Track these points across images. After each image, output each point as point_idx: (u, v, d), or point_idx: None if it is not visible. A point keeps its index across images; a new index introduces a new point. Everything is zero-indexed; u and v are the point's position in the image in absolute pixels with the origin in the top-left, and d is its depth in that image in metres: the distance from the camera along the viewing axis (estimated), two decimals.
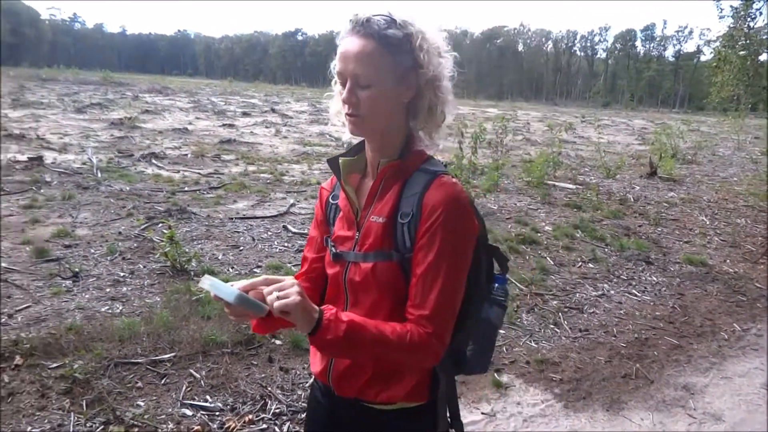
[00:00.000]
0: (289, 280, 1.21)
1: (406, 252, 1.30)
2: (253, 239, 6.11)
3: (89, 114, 18.43)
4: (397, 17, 1.28)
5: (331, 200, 1.49)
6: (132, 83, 38.18)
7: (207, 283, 1.23)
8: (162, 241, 5.19)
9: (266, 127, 18.19)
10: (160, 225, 6.17)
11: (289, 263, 5.37)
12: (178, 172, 9.95)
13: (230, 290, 1.19)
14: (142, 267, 5.08)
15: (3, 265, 4.86)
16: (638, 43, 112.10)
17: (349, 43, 1.27)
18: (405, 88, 1.30)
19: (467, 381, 3.60)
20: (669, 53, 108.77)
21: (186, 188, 8.58)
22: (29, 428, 2.82)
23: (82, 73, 46.12)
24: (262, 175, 10.08)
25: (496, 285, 1.46)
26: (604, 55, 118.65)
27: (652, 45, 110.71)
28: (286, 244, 6.01)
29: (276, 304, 1.13)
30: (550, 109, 49.89)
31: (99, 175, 8.96)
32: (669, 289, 5.55)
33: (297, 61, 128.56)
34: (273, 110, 24.61)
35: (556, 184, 10.43)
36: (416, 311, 1.26)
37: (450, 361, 1.40)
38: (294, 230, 6.48)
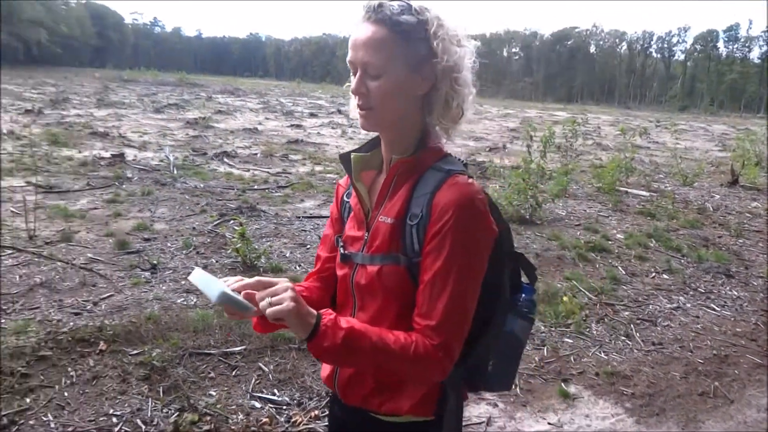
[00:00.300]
0: (283, 283, 1.12)
1: (414, 256, 1.21)
2: (319, 238, 6.21)
3: (166, 114, 19.33)
4: (414, 3, 1.18)
5: (345, 198, 1.42)
6: (206, 84, 39.75)
7: (196, 277, 1.18)
8: (233, 237, 5.37)
9: (332, 128, 18.49)
10: (232, 222, 6.39)
11: None
12: (248, 170, 10.27)
13: (215, 288, 1.12)
14: (214, 261, 5.28)
15: (89, 255, 5.18)
16: (720, 45, 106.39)
17: (359, 30, 1.18)
18: (420, 78, 1.19)
19: (532, 389, 3.52)
20: (754, 55, 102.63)
21: (255, 186, 8.85)
22: (111, 410, 2.99)
23: (160, 75, 48.44)
24: (328, 175, 10.25)
25: (523, 296, 1.37)
26: (682, 56, 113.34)
27: (735, 46, 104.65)
28: None
29: (268, 311, 1.07)
30: (623, 113, 48.13)
31: (175, 172, 9.39)
32: (751, 305, 5.23)
33: None
34: (339, 111, 24.98)
35: (629, 190, 10.05)
36: (423, 321, 1.17)
37: (462, 376, 1.32)
38: None
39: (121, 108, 20.16)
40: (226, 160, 11.13)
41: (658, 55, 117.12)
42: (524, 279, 1.42)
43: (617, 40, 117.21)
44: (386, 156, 1.32)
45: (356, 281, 1.29)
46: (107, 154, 10.35)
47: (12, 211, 6.39)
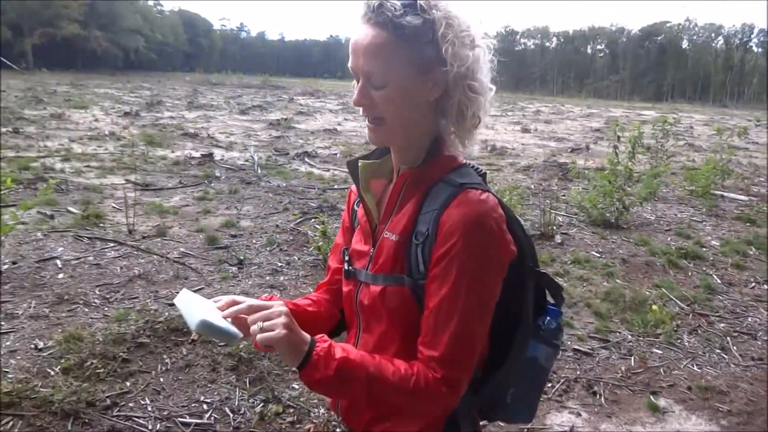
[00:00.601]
0: (277, 307, 1.05)
1: (419, 278, 1.10)
2: None
3: (251, 115, 20.09)
4: (421, 0, 1.05)
5: (355, 207, 1.32)
6: (288, 86, 40.97)
7: (182, 299, 1.10)
8: (315, 235, 5.51)
9: None
10: (313, 220, 6.56)
11: None
12: (328, 170, 10.50)
13: (196, 315, 1.04)
14: (296, 258, 5.44)
15: (181, 249, 5.48)
16: None
17: (359, 33, 1.07)
18: (430, 84, 1.09)
19: (618, 400, 3.39)
20: None
21: (335, 186, 9.03)
22: (202, 397, 3.16)
23: (245, 78, 50.43)
24: None
25: (548, 319, 1.26)
26: None
27: None
28: None
29: (258, 337, 1.01)
30: (718, 112, 45.14)
31: (259, 171, 9.75)
32: None
33: None
34: None
35: (725, 194, 9.43)
36: (426, 350, 1.07)
37: (477, 405, 1.23)
38: None
39: (210, 110, 21.16)
40: (307, 160, 11.43)
41: (759, 50, 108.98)
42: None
43: (713, 35, 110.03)
44: (396, 165, 1.22)
45: (360, 300, 1.21)
46: (197, 154, 10.90)
47: (113, 207, 6.87)
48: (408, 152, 1.18)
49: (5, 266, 4.72)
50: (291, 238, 6.06)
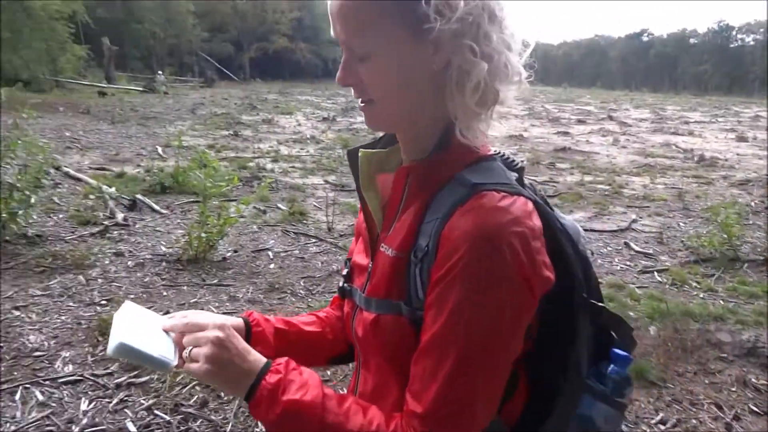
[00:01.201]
0: (210, 330, 0.87)
1: (418, 307, 0.85)
2: (592, 253, 5.91)
3: None
4: None
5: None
6: None
7: (121, 315, 0.93)
8: None
9: (603, 136, 17.42)
10: None
11: (632, 284, 5.02)
12: None
13: (117, 336, 0.86)
14: None
15: None
16: None
17: None
18: (431, 49, 0.82)
19: None
20: None
21: None
22: None
23: None
24: (598, 186, 9.68)
25: (611, 368, 0.93)
26: None
27: None
28: (627, 263, 5.64)
29: (185, 366, 0.87)
30: None
31: None
32: None
33: (639, 64, 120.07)
34: (610, 117, 23.44)
35: None
36: (410, 401, 0.82)
37: None
38: (637, 248, 6.03)
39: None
40: None
41: None
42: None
43: None
44: (404, 158, 0.97)
45: (355, 329, 0.98)
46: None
47: (314, 206, 7.47)
48: (414, 142, 0.93)
49: (228, 253, 5.39)
50: None
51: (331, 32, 0.88)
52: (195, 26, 47.46)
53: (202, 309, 4.13)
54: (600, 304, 0.94)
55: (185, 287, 4.56)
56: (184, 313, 0.96)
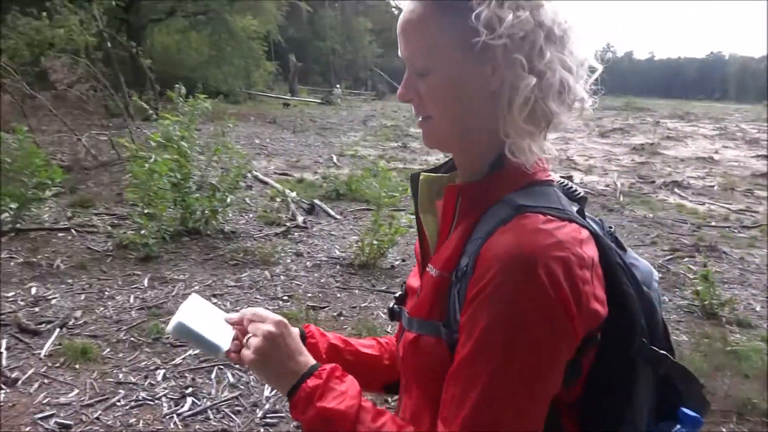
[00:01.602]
0: (267, 324, 0.91)
1: (455, 329, 0.80)
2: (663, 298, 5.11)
3: (611, 138, 19.29)
4: None
5: None
6: (652, 108, 38.03)
7: (188, 304, 1.00)
8: (693, 277, 4.91)
9: None
10: (686, 259, 5.87)
11: None
12: (703, 204, 9.29)
13: (177, 317, 0.94)
14: (666, 299, 4.93)
15: None
16: None
17: (403, 11, 0.85)
18: (489, 68, 0.80)
19: None
20: None
21: (713, 223, 7.92)
22: None
23: (606, 99, 48.76)
24: None
25: (677, 428, 0.85)
26: None
27: None
28: None
29: (232, 355, 0.96)
30: None
31: (621, 198, 9.24)
32: None
33: None
34: None
35: None
36: (440, 427, 0.77)
37: None
38: None
39: (568, 132, 21.14)
40: (676, 190, 10.34)
41: None
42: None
43: None
44: (459, 180, 0.96)
45: (400, 349, 0.95)
46: (557, 177, 10.94)
47: None
48: (468, 161, 0.91)
49: (397, 262, 5.54)
50: (660, 275, 5.52)
51: (399, 51, 0.89)
52: (371, 43, 50.26)
53: (371, 314, 4.29)
54: (663, 352, 0.85)
55: (356, 291, 4.77)
56: (254, 309, 1.00)
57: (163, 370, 3.34)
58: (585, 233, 0.80)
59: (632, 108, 37.58)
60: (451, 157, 1.00)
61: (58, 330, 3.71)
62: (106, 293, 4.36)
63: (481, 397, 0.74)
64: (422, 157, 12.74)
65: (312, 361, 0.91)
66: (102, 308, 4.10)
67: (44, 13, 11.67)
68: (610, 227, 1.01)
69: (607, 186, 10.35)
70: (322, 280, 4.95)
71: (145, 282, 4.60)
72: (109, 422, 2.85)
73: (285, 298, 4.51)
